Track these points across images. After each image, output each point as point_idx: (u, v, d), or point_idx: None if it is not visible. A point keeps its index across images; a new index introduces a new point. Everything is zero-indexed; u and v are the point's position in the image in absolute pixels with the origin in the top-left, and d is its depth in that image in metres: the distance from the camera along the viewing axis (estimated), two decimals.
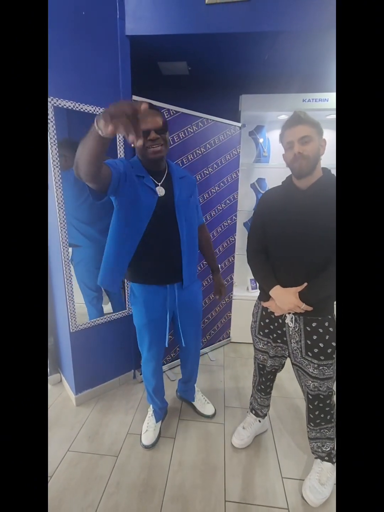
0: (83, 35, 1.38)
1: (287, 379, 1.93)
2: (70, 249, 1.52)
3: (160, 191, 1.14)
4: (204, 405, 1.68)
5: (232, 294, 2.34)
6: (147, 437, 1.45)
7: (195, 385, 1.70)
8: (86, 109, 1.43)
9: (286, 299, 1.11)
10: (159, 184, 1.16)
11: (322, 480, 1.21)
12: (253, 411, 1.52)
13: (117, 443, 1.47)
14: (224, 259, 2.23)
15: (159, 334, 1.32)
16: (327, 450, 1.24)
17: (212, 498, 1.21)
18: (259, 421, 1.52)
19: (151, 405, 1.54)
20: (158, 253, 1.18)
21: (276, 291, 1.15)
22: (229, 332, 2.45)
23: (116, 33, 1.49)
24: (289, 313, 1.15)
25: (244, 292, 2.41)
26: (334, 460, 1.26)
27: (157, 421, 1.51)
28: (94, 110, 1.45)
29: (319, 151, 1.04)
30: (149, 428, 1.48)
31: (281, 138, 1.09)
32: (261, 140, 2.30)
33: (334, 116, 2.14)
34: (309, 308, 1.07)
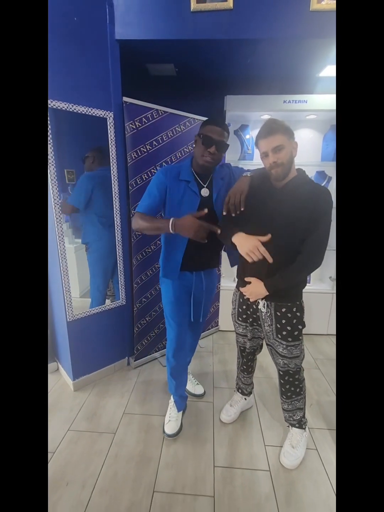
0: (75, 39, 1.46)
1: (269, 362, 2.07)
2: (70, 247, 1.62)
3: (205, 192, 1.29)
4: (194, 386, 1.81)
5: (219, 284, 2.47)
6: (170, 427, 1.50)
7: (187, 367, 1.81)
8: (79, 110, 1.51)
9: (247, 244, 1.14)
10: (205, 186, 1.29)
11: (294, 443, 1.38)
12: (239, 390, 1.67)
13: (114, 422, 1.58)
14: None
15: (184, 310, 1.44)
16: (297, 418, 1.41)
17: (202, 464, 1.34)
18: (245, 399, 1.66)
19: (172, 396, 1.59)
20: (197, 245, 1.24)
21: (239, 237, 1.18)
22: (218, 321, 2.59)
23: (106, 38, 1.57)
24: (261, 299, 1.27)
25: (231, 283, 2.54)
26: (304, 426, 1.43)
27: (178, 411, 1.57)
28: (87, 111, 1.54)
29: (292, 155, 1.15)
30: (171, 418, 1.54)
31: (256, 146, 1.18)
32: (248, 136, 2.42)
33: (313, 116, 2.29)
34: (269, 259, 1.13)
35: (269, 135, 1.10)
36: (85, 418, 1.61)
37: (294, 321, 1.25)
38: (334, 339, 2.51)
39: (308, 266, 1.18)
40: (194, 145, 1.26)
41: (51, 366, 2.02)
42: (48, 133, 1.41)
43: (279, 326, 1.27)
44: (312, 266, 1.17)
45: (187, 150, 1.97)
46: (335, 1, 1.48)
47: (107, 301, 1.93)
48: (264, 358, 2.02)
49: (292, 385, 1.36)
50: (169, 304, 1.42)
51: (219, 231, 1.13)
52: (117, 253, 1.85)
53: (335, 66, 1.92)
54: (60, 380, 1.93)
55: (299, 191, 1.15)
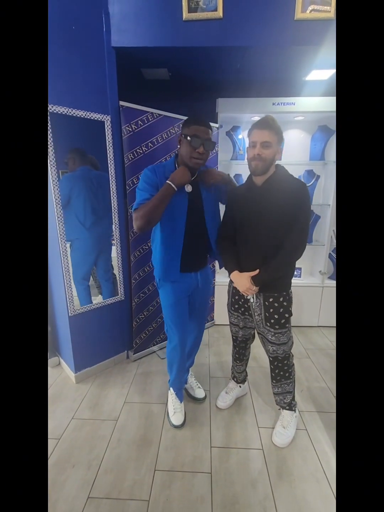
0: (74, 47, 1.54)
1: (263, 353, 2.17)
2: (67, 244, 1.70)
3: (188, 187, 1.28)
4: (195, 389, 1.80)
5: (214, 280, 2.57)
6: (177, 418, 1.56)
7: (190, 368, 1.82)
8: (77, 114, 1.59)
9: (240, 282, 1.34)
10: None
11: (284, 424, 1.48)
12: (234, 378, 1.76)
13: (116, 410, 1.67)
14: None
15: (183, 312, 1.46)
16: (287, 401, 1.51)
17: (199, 446, 1.44)
18: (240, 386, 1.76)
19: (171, 388, 1.64)
20: (190, 244, 1.32)
21: (234, 276, 1.38)
22: (213, 315, 2.69)
23: (103, 45, 1.65)
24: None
25: (225, 278, 2.63)
26: (294, 408, 1.53)
27: (181, 401, 1.63)
28: (85, 115, 1.62)
29: (275, 157, 1.24)
30: (176, 410, 1.59)
31: (249, 134, 1.26)
32: (240, 136, 2.52)
33: (301, 117, 2.40)
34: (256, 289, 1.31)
35: (265, 129, 1.18)
36: (88, 407, 1.69)
37: (281, 310, 1.35)
38: (324, 330, 2.62)
39: (291, 258, 1.27)
40: (178, 146, 1.27)
41: (52, 360, 2.09)
42: (49, 137, 1.49)
43: (267, 315, 1.36)
44: (294, 257, 1.27)
45: None
46: (318, 12, 1.59)
47: (98, 297, 1.99)
48: (258, 349, 2.11)
49: (281, 370, 1.45)
50: (169, 308, 1.43)
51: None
52: (116, 250, 1.93)
53: (319, 71, 2.04)
54: (62, 374, 2.01)
55: (278, 187, 1.25)
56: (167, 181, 1.19)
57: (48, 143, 1.49)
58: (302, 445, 1.44)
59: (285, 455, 1.39)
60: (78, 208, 1.76)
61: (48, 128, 1.48)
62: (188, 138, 1.18)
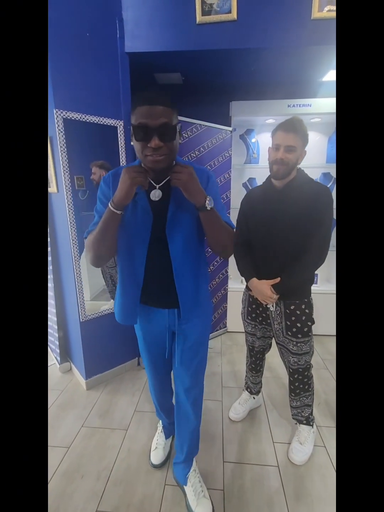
0: (87, 53, 1.55)
1: (278, 363, 2.10)
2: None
3: (155, 195, 0.89)
4: (198, 498, 1.16)
5: (227, 286, 2.51)
6: (156, 455, 1.35)
7: (194, 460, 1.27)
8: (91, 120, 1.59)
9: (260, 291, 1.28)
10: (158, 186, 0.90)
11: (301, 440, 1.40)
12: (248, 389, 1.70)
13: (126, 418, 1.63)
14: None
15: (156, 353, 1.14)
16: (305, 415, 1.43)
17: (212, 460, 1.38)
18: (253, 398, 1.69)
19: (160, 421, 1.47)
20: (148, 273, 0.97)
21: (252, 283, 1.32)
22: (226, 322, 2.63)
23: (117, 51, 1.65)
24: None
25: (239, 285, 2.58)
26: (311, 423, 1.45)
27: (166, 438, 1.43)
28: (99, 120, 1.62)
29: (298, 161, 1.19)
30: (159, 446, 1.39)
31: (273, 135, 1.20)
32: (254, 140, 2.47)
33: (317, 119, 2.33)
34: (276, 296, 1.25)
35: (290, 132, 1.13)
36: (98, 415, 1.67)
37: (304, 318, 1.28)
38: None
39: (314, 264, 1.22)
40: (131, 142, 0.85)
41: (64, 366, 2.09)
42: (63, 142, 1.49)
43: (289, 324, 1.30)
44: (317, 264, 1.21)
45: (194, 155, 2.04)
46: (335, 11, 1.54)
47: (110, 302, 1.96)
48: (273, 358, 2.04)
49: (301, 382, 1.38)
50: (140, 345, 1.17)
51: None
52: None
53: None
54: (73, 380, 2.00)
55: (300, 190, 1.20)
56: (109, 202, 0.84)
57: (61, 148, 1.50)
58: (320, 462, 1.36)
59: (303, 474, 1.31)
60: None
61: (62, 134, 1.49)
62: (132, 128, 0.80)
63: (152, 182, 0.90)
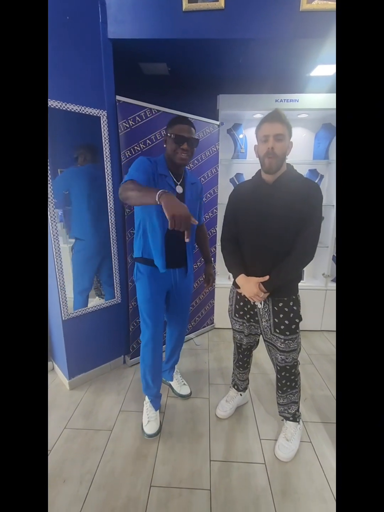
0: (68, 38, 1.46)
1: (265, 358, 2.11)
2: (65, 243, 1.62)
3: (179, 189, 1.35)
4: (181, 386, 1.80)
5: (214, 283, 2.49)
6: (151, 427, 1.49)
7: (176, 366, 1.85)
8: (72, 109, 1.51)
9: (248, 288, 1.26)
10: (178, 183, 1.36)
11: (288, 436, 1.40)
12: (235, 386, 1.68)
13: (111, 419, 1.59)
14: None
15: (159, 308, 1.45)
16: (292, 412, 1.43)
17: (198, 459, 1.36)
18: (240, 395, 1.68)
19: (146, 397, 1.58)
20: (169, 243, 1.33)
21: (241, 280, 1.30)
22: (213, 319, 2.61)
23: (99, 37, 1.57)
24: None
25: (225, 281, 2.57)
26: (298, 420, 1.45)
27: (156, 410, 1.56)
28: (80, 110, 1.54)
29: (286, 151, 1.18)
30: (150, 419, 1.52)
31: (258, 130, 1.19)
32: (241, 136, 2.44)
33: (304, 115, 2.32)
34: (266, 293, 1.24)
35: (275, 121, 1.13)
36: (81, 416, 1.61)
37: (291, 315, 1.27)
38: (327, 335, 2.54)
39: (303, 261, 1.20)
40: (164, 145, 1.33)
41: None
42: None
43: (276, 321, 1.29)
44: (306, 261, 1.20)
45: None
46: (325, 1, 1.51)
47: (100, 300, 1.92)
48: (260, 354, 2.04)
49: (288, 379, 1.38)
50: (146, 302, 1.42)
51: (196, 222, 1.02)
52: (112, 251, 1.85)
53: (325, 66, 1.96)
54: (55, 380, 1.93)
55: (291, 185, 1.18)
56: (159, 192, 1.04)
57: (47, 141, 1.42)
58: (306, 459, 1.36)
59: (289, 470, 1.31)
60: (81, 206, 1.72)
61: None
62: (173, 136, 1.26)
63: (175, 180, 1.35)
